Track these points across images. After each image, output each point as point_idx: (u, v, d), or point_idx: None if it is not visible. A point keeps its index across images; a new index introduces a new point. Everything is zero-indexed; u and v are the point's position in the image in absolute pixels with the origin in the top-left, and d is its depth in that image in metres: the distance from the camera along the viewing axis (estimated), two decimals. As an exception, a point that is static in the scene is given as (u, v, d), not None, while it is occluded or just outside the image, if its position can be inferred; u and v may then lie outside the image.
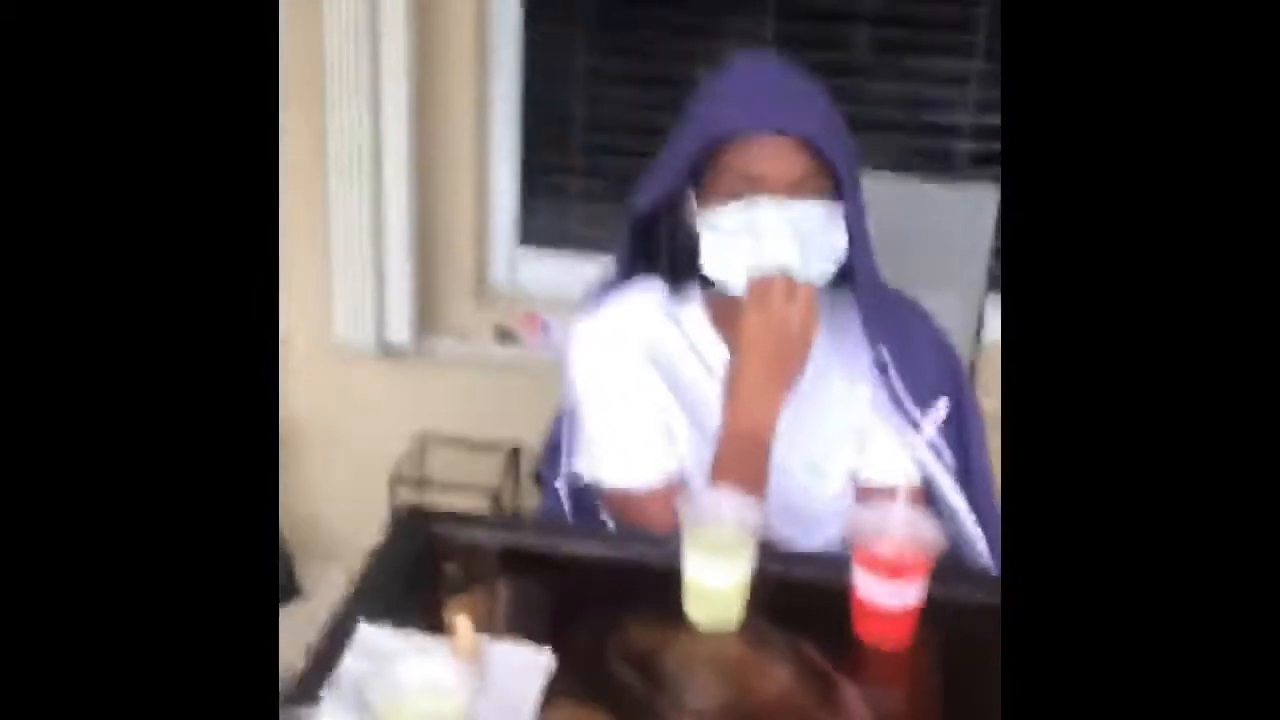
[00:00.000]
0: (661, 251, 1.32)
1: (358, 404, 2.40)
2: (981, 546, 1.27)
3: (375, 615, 1.01)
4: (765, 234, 1.20)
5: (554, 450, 1.46)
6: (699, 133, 1.24)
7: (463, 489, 2.21)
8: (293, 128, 2.09)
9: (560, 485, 1.39)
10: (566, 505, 1.39)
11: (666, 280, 1.33)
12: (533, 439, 2.22)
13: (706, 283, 1.30)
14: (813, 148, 1.20)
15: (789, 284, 1.21)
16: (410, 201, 2.16)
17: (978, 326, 1.75)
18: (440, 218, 2.25)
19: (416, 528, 1.18)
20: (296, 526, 2.45)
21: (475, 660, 0.95)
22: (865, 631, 1.06)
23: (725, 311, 1.30)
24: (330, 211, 2.17)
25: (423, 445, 2.31)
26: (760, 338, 1.21)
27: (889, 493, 1.13)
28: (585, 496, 1.37)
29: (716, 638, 1.06)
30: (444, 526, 1.19)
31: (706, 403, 1.29)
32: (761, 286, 1.21)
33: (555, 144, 2.30)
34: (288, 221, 2.16)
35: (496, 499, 2.23)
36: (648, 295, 1.35)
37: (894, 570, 1.03)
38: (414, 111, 2.10)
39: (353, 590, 1.07)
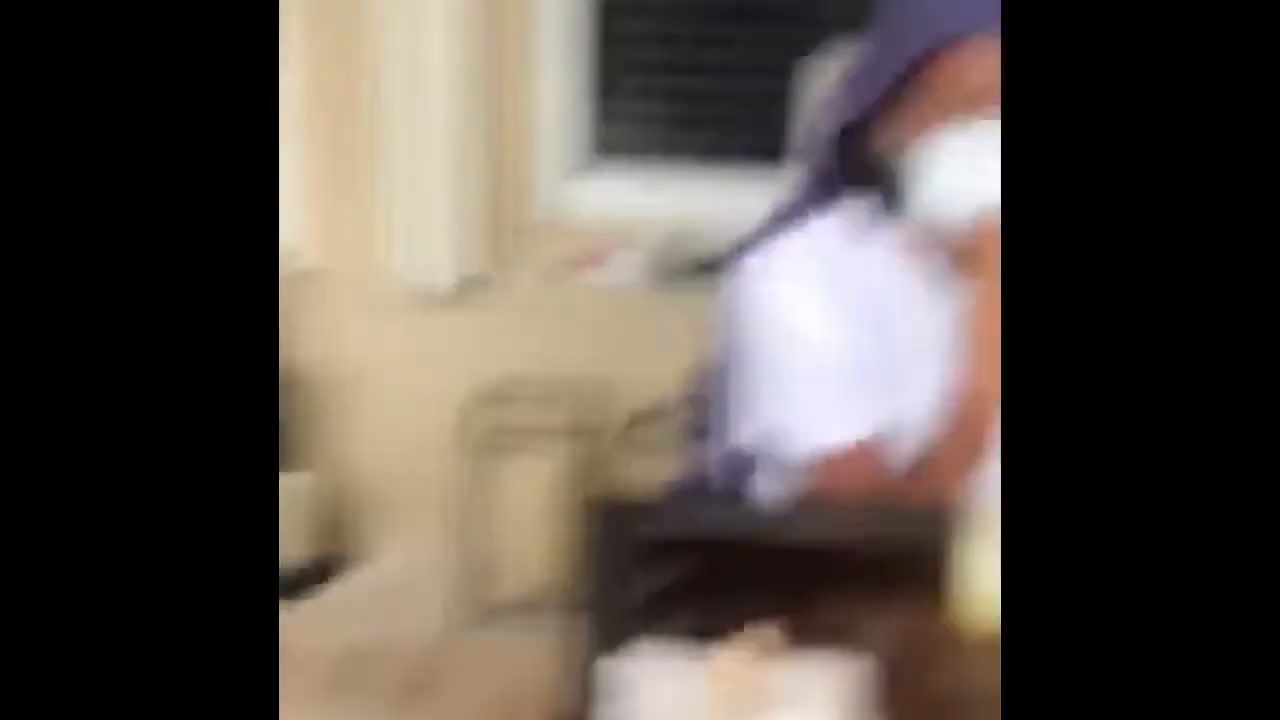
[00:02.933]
0: (850, 177, 1.14)
1: (417, 350, 2.27)
2: None
3: (614, 638, 0.90)
4: (989, 164, 0.99)
5: (703, 410, 1.30)
6: (918, 34, 1.04)
7: (540, 435, 2.10)
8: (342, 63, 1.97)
9: (723, 450, 1.23)
10: (724, 471, 1.23)
11: (856, 209, 1.15)
12: (612, 378, 2.21)
13: (895, 209, 1.12)
14: None
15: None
16: (469, 128, 1.99)
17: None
18: (495, 147, 2.08)
19: (617, 523, 1.02)
20: (353, 482, 2.36)
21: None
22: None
23: (927, 244, 1.11)
24: (387, 143, 2.02)
25: (495, 392, 2.17)
26: (994, 291, 1.03)
27: None
28: (738, 462, 1.22)
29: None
30: (651, 521, 1.01)
31: (907, 346, 1.14)
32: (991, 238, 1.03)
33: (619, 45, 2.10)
34: (342, 161, 2.11)
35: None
36: (833, 226, 1.15)
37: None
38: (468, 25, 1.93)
39: (574, 616, 0.96)
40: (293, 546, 2.24)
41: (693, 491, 1.31)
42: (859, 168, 1.12)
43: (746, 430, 1.18)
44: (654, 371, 2.21)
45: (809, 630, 0.91)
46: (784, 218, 1.18)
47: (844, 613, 0.96)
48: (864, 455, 1.11)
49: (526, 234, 2.17)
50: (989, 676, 0.79)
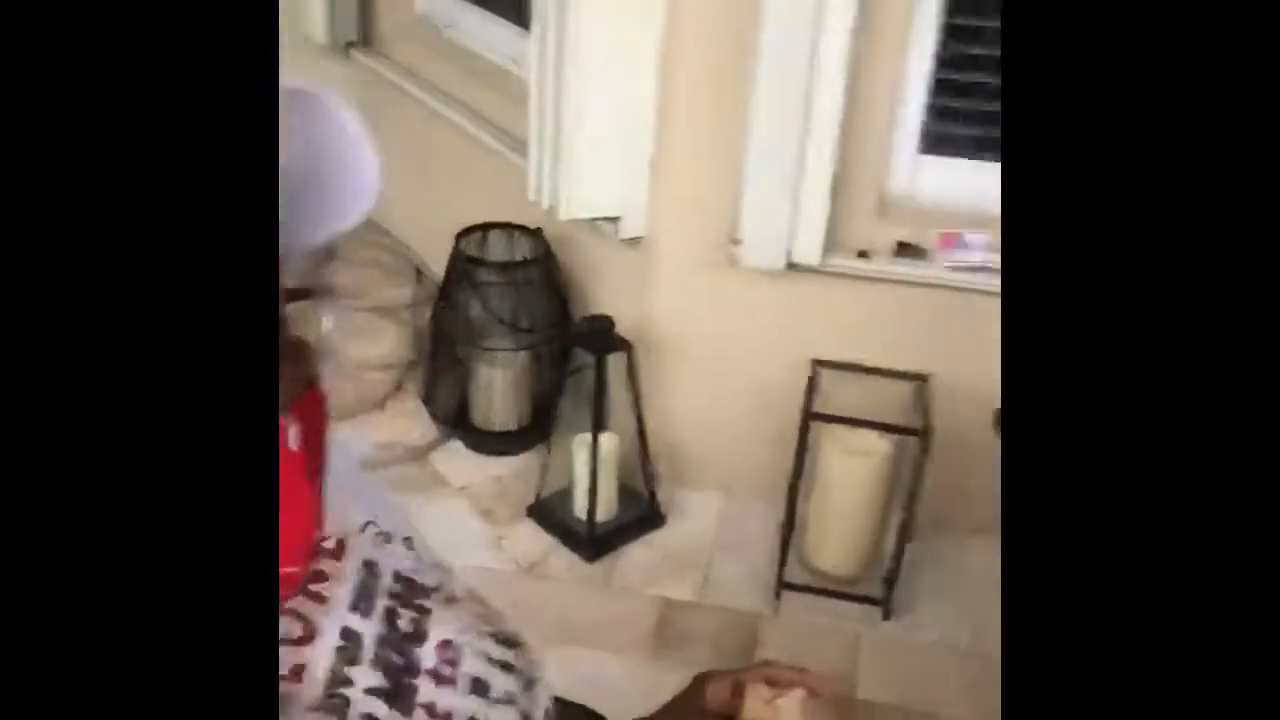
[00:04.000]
0: None
1: (746, 321, 2.31)
2: None
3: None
4: None
5: None
6: None
7: (864, 422, 2.11)
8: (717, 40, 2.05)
9: None
10: None
11: None
12: (941, 366, 2.21)
13: None
14: None
15: None
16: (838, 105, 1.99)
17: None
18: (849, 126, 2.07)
19: None
20: (667, 450, 2.44)
21: None
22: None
23: None
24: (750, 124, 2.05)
25: (816, 371, 2.20)
26: None
27: None
28: None
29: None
30: None
31: None
32: None
33: (969, 33, 2.07)
34: (702, 134, 2.17)
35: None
36: None
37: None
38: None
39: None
40: (605, 502, 2.35)
41: None
42: None
43: None
44: (995, 365, 2.17)
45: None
46: None
47: None
48: None
49: (875, 216, 2.17)
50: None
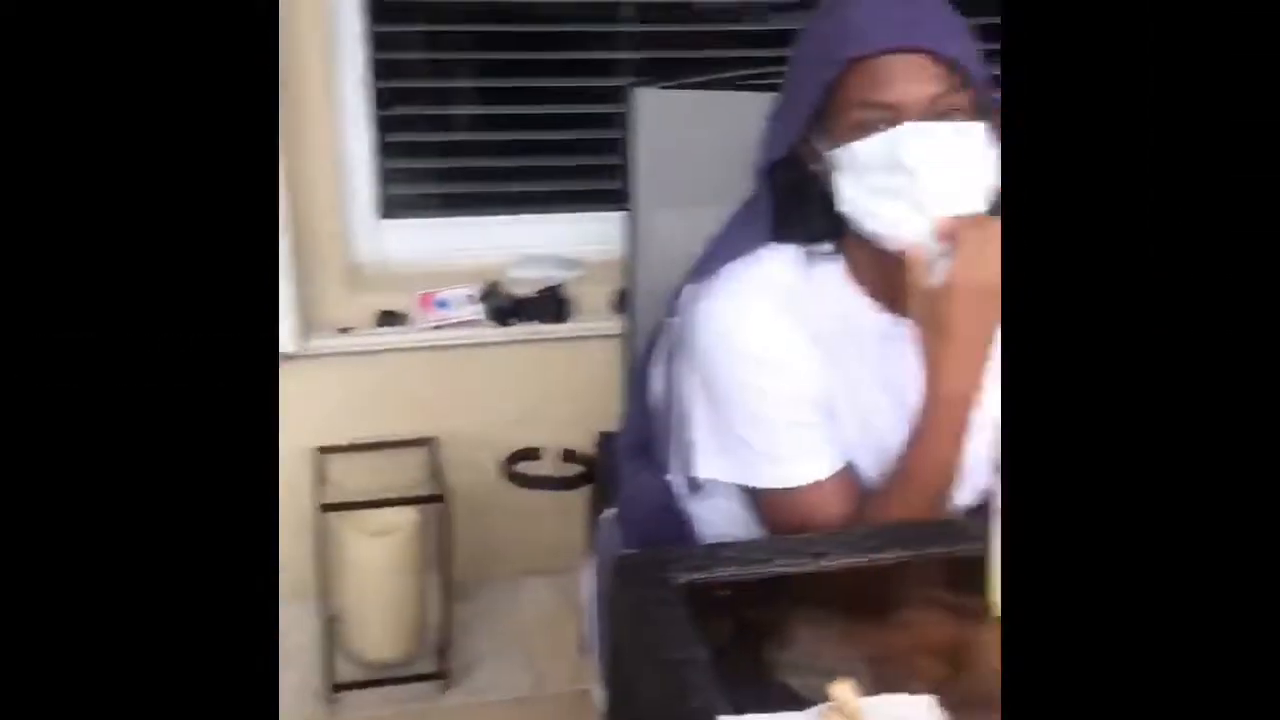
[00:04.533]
0: (790, 210, 1.15)
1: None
2: None
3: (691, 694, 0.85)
4: (918, 165, 1.02)
5: (637, 452, 1.29)
6: (825, 60, 1.05)
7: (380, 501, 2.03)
8: None
9: (675, 480, 1.21)
10: (672, 501, 1.23)
11: (800, 238, 1.15)
12: (447, 426, 2.15)
13: (838, 236, 1.13)
14: (946, 61, 1.04)
15: (984, 221, 1.03)
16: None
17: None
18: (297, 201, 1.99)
19: (648, 577, 0.99)
20: None
21: None
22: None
23: (870, 264, 1.13)
24: None
25: (319, 459, 2.10)
26: (964, 288, 1.02)
27: None
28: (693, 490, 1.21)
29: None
30: (682, 571, 1.00)
31: (861, 372, 1.15)
32: (966, 228, 1.02)
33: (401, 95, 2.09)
34: None
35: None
36: (777, 260, 1.15)
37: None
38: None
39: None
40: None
41: (637, 523, 1.30)
42: (798, 196, 1.14)
43: (708, 459, 1.18)
44: (496, 418, 2.21)
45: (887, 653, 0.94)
46: (728, 250, 1.18)
47: (912, 632, 0.99)
48: (839, 485, 1.14)
49: (348, 288, 2.12)
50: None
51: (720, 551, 1.06)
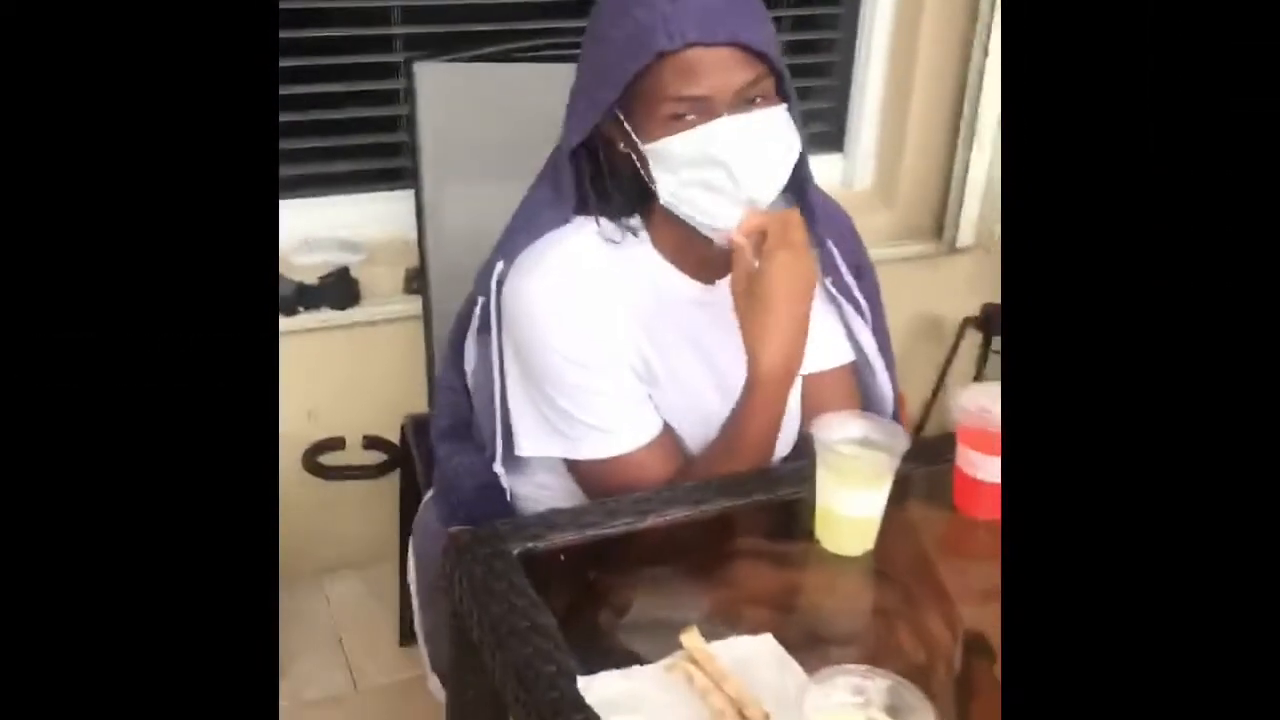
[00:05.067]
0: (597, 186, 1.16)
1: None
2: (884, 377, 1.30)
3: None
4: (733, 158, 1.07)
5: (451, 433, 1.28)
6: (633, 50, 1.06)
7: None
8: None
9: (491, 454, 1.21)
10: (505, 484, 1.23)
11: (608, 213, 1.17)
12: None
13: (644, 213, 1.17)
14: (753, 51, 1.06)
15: (792, 215, 1.10)
16: None
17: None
18: None
19: (485, 551, 0.99)
20: None
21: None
22: (981, 508, 1.10)
23: (677, 236, 1.17)
24: None
25: None
26: (784, 276, 1.07)
27: (836, 373, 1.24)
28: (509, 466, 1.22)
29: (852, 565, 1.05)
30: (518, 541, 1.01)
31: (673, 336, 1.19)
32: (772, 222, 1.09)
33: None
34: None
35: None
36: (586, 235, 1.17)
37: (996, 446, 1.07)
38: None
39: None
40: None
41: (458, 505, 1.29)
42: (604, 174, 1.16)
43: (529, 438, 1.19)
44: (294, 409, 2.12)
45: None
46: (533, 226, 1.18)
47: (744, 577, 1.04)
48: (661, 447, 1.17)
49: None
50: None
51: (553, 519, 1.07)
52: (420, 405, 1.78)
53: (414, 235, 1.71)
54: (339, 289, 2.04)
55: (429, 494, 1.45)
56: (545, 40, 2.00)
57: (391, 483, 1.96)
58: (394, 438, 1.90)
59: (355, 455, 2.05)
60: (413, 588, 1.47)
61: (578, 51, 1.15)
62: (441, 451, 1.33)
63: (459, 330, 1.30)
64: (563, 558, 1.01)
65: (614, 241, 1.18)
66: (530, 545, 1.01)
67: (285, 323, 2.02)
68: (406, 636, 2.17)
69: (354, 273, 2.07)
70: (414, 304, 1.90)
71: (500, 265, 1.19)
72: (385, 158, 2.13)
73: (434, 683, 1.39)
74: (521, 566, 0.97)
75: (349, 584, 2.29)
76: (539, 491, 1.26)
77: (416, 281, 2.01)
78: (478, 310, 1.22)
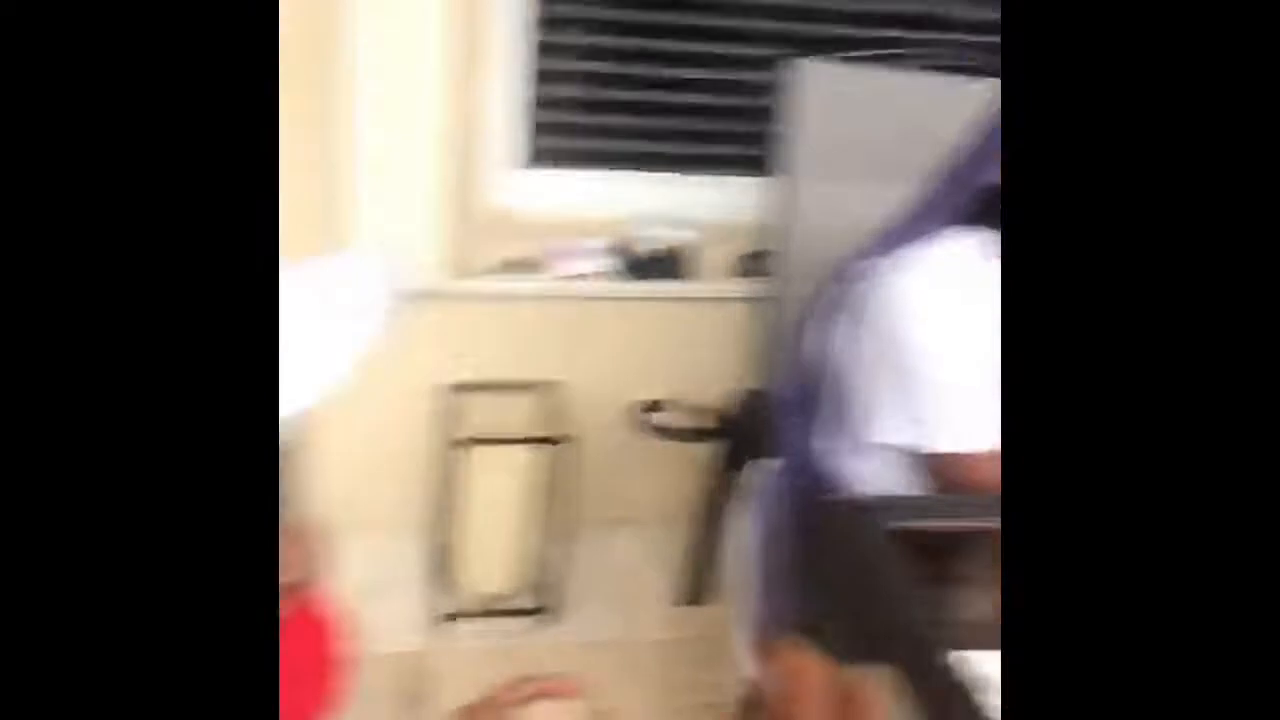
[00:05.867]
0: (993, 207, 1.22)
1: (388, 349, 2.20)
2: None
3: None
4: None
5: (795, 409, 1.37)
6: None
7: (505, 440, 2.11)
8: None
9: (834, 442, 1.29)
10: (890, 473, 1.29)
11: (977, 234, 1.23)
12: (567, 374, 2.22)
13: None
14: None
15: None
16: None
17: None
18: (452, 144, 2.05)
19: (861, 523, 1.02)
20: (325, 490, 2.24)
21: None
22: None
23: None
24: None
25: (448, 396, 2.16)
26: None
27: None
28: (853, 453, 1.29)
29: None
30: (890, 518, 1.02)
31: None
32: None
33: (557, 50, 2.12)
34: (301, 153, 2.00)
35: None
36: (969, 241, 1.24)
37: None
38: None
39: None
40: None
41: (801, 476, 1.36)
42: (987, 202, 1.21)
43: (885, 425, 1.25)
44: (619, 369, 2.27)
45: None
46: (909, 231, 1.26)
47: None
48: (992, 457, 1.20)
49: (481, 232, 2.18)
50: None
51: (918, 503, 1.12)
52: (744, 380, 1.87)
53: (744, 220, 1.79)
54: (675, 263, 2.17)
55: (765, 464, 1.54)
56: (933, 50, 2.04)
57: (680, 449, 2.07)
58: (712, 407, 2.01)
59: (678, 418, 2.18)
60: (731, 552, 1.56)
61: (971, 64, 1.20)
62: (786, 425, 1.41)
63: (811, 314, 1.38)
64: (929, 543, 1.06)
65: (989, 253, 1.23)
66: (905, 523, 1.06)
67: (625, 288, 2.17)
68: (683, 597, 2.29)
69: (691, 250, 2.19)
70: (742, 285, 2.00)
71: (877, 259, 1.25)
72: (737, 145, 2.24)
73: (740, 639, 1.48)
74: (894, 543, 1.03)
75: (636, 538, 2.42)
76: (873, 474, 1.32)
77: (749, 265, 2.11)
78: (836, 298, 1.30)
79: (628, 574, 2.36)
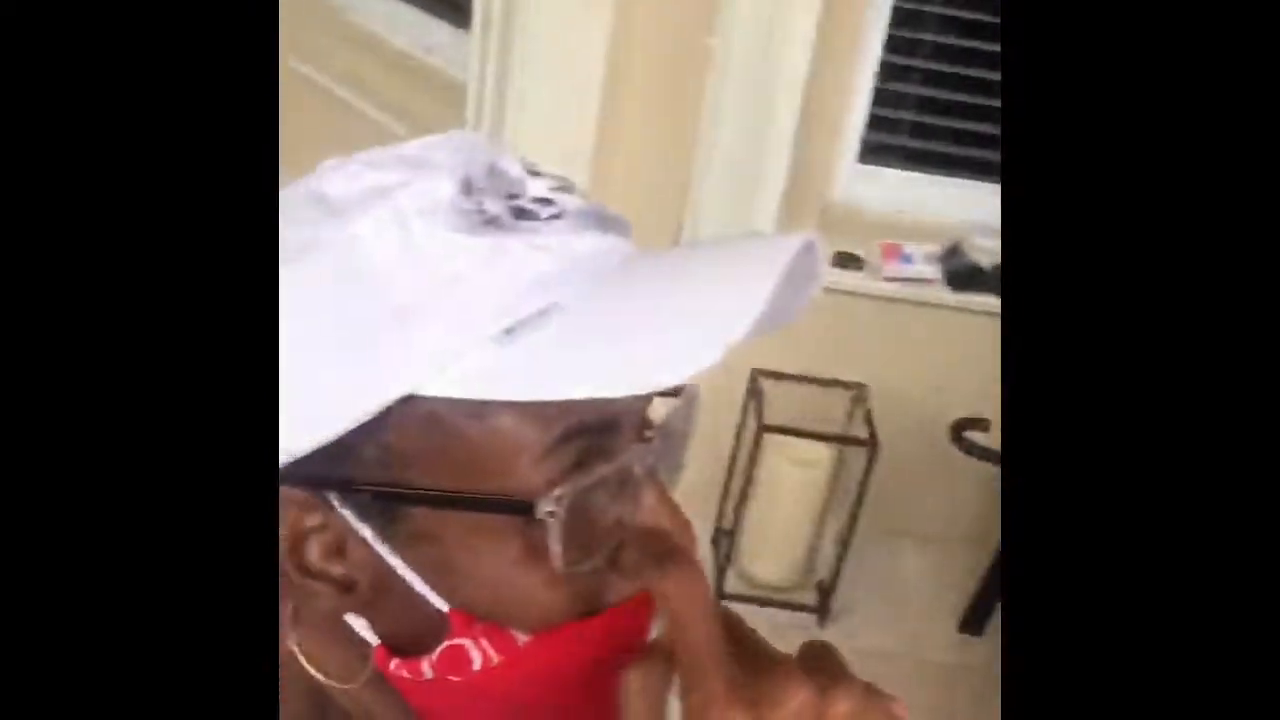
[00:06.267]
0: None
1: None
2: None
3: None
4: None
5: None
6: None
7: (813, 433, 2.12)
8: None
9: None
10: None
11: None
12: (877, 376, 2.22)
13: None
14: None
15: None
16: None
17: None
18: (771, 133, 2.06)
19: None
20: None
21: None
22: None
23: None
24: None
25: (757, 381, 2.19)
26: None
27: None
28: None
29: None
30: None
31: None
32: None
33: (908, 45, 2.11)
34: (649, 145, 2.05)
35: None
36: None
37: None
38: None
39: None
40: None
41: None
42: None
43: None
44: (933, 380, 2.22)
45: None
46: None
47: None
48: None
49: (813, 223, 2.17)
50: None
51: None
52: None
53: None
54: (997, 279, 2.08)
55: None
56: None
57: (988, 472, 1.99)
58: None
59: (990, 439, 2.11)
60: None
61: None
62: None
63: None
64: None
65: None
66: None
67: (952, 297, 2.11)
68: (968, 624, 2.21)
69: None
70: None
71: None
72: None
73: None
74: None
75: (930, 555, 2.36)
76: None
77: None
78: None
79: (914, 588, 2.31)
